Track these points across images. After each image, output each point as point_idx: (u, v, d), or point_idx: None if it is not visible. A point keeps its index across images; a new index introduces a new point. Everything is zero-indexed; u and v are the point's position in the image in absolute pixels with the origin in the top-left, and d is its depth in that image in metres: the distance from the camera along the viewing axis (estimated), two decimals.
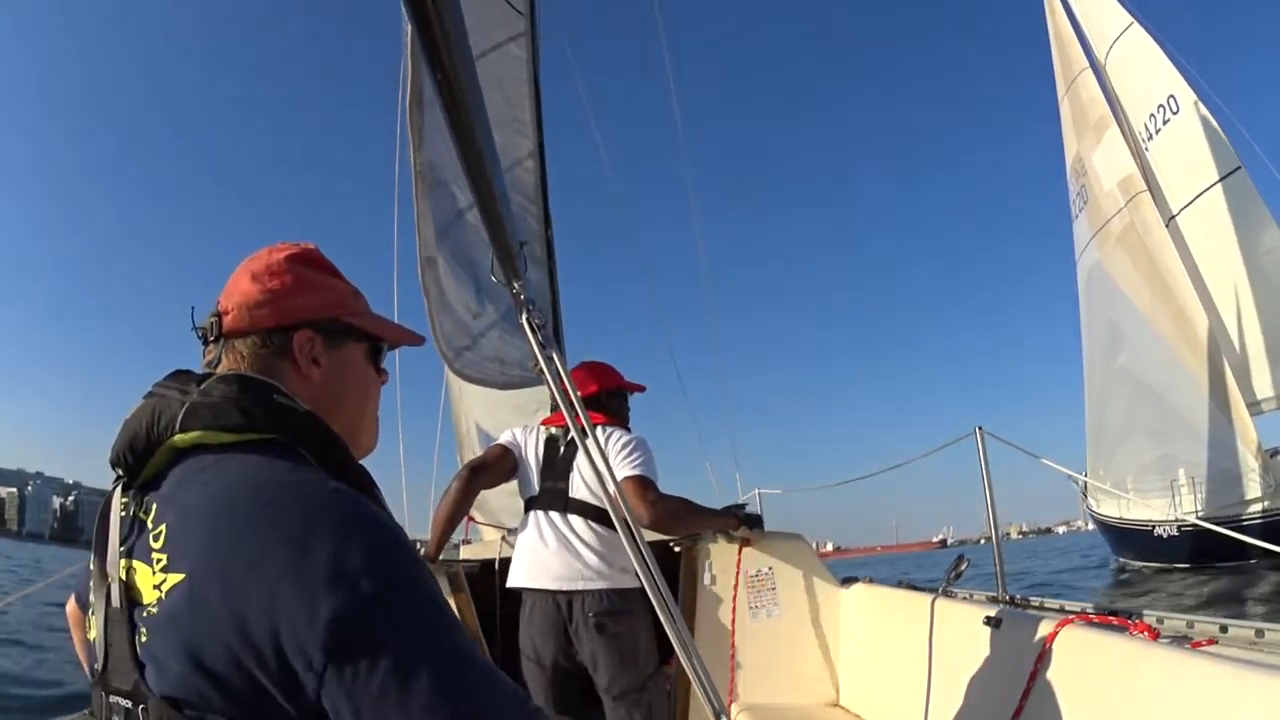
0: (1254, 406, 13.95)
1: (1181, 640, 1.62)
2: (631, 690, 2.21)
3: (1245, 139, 15.58)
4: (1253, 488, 12.88)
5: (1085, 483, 16.53)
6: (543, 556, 2.28)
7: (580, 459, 2.34)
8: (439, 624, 0.66)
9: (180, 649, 0.64)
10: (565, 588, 2.23)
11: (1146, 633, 1.56)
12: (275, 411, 0.77)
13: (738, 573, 2.76)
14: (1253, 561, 12.02)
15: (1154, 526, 15.19)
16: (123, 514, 0.75)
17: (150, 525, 0.72)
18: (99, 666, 0.71)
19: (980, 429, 2.94)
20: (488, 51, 2.80)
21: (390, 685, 0.61)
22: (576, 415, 1.38)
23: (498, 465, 2.44)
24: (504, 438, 2.51)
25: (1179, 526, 14.29)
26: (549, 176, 3.40)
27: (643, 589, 2.27)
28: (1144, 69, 16.13)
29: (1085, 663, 1.59)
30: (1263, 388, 14.27)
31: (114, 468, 0.78)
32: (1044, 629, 1.72)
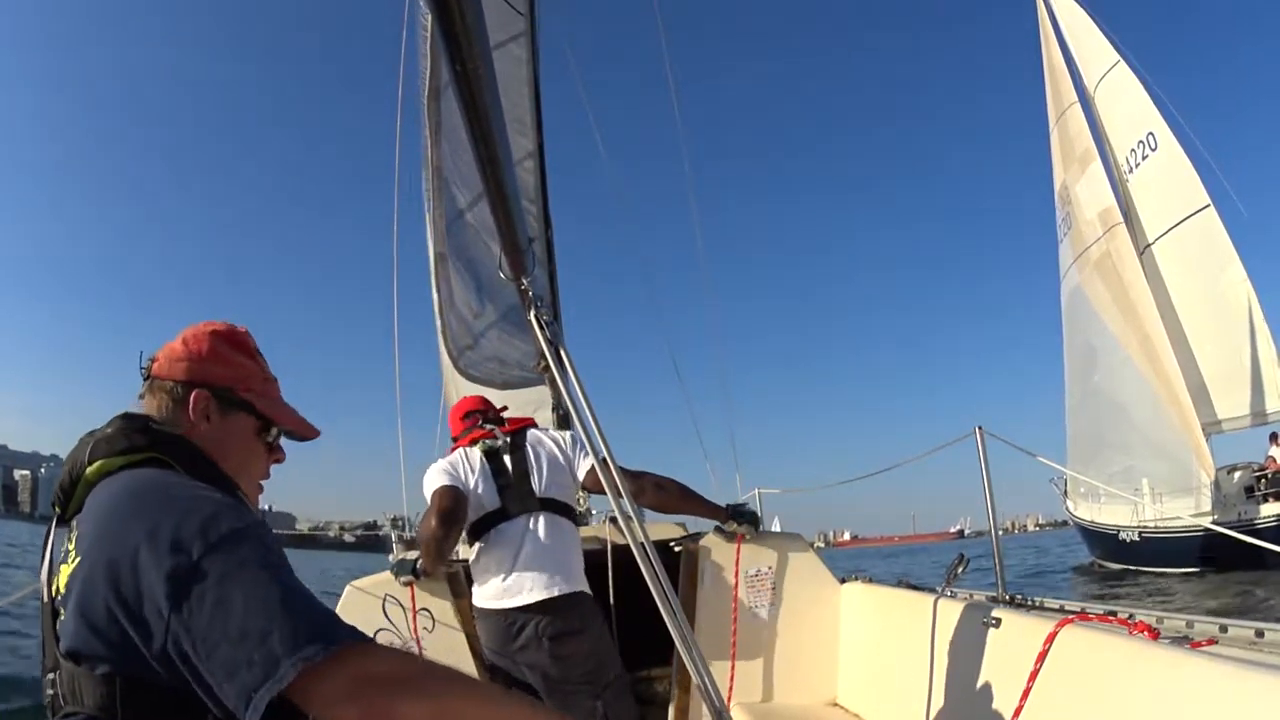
0: (1214, 426, 15.29)
1: (1181, 640, 1.63)
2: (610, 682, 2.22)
3: (1217, 176, 16.86)
4: (1204, 501, 14.14)
5: (1066, 485, 18.61)
6: (553, 560, 2.22)
7: (532, 457, 2.33)
8: (259, 568, 0.79)
9: (75, 612, 0.83)
10: (574, 589, 2.21)
11: (1146, 633, 1.57)
12: (151, 436, 0.99)
13: (737, 572, 2.76)
14: (1197, 570, 13.74)
15: (1119, 530, 16.60)
16: (54, 541, 0.96)
17: (73, 540, 0.90)
18: (43, 659, 0.90)
19: (980, 429, 2.95)
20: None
21: (215, 616, 0.75)
22: (588, 411, 1.38)
23: (461, 508, 2.26)
24: (443, 480, 2.29)
25: (1140, 532, 15.83)
26: (549, 177, 3.40)
27: (593, 598, 2.29)
28: (1127, 105, 17.49)
29: (1085, 663, 1.60)
30: (1223, 409, 15.42)
31: (53, 507, 0.99)
32: (1044, 629, 1.73)
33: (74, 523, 0.93)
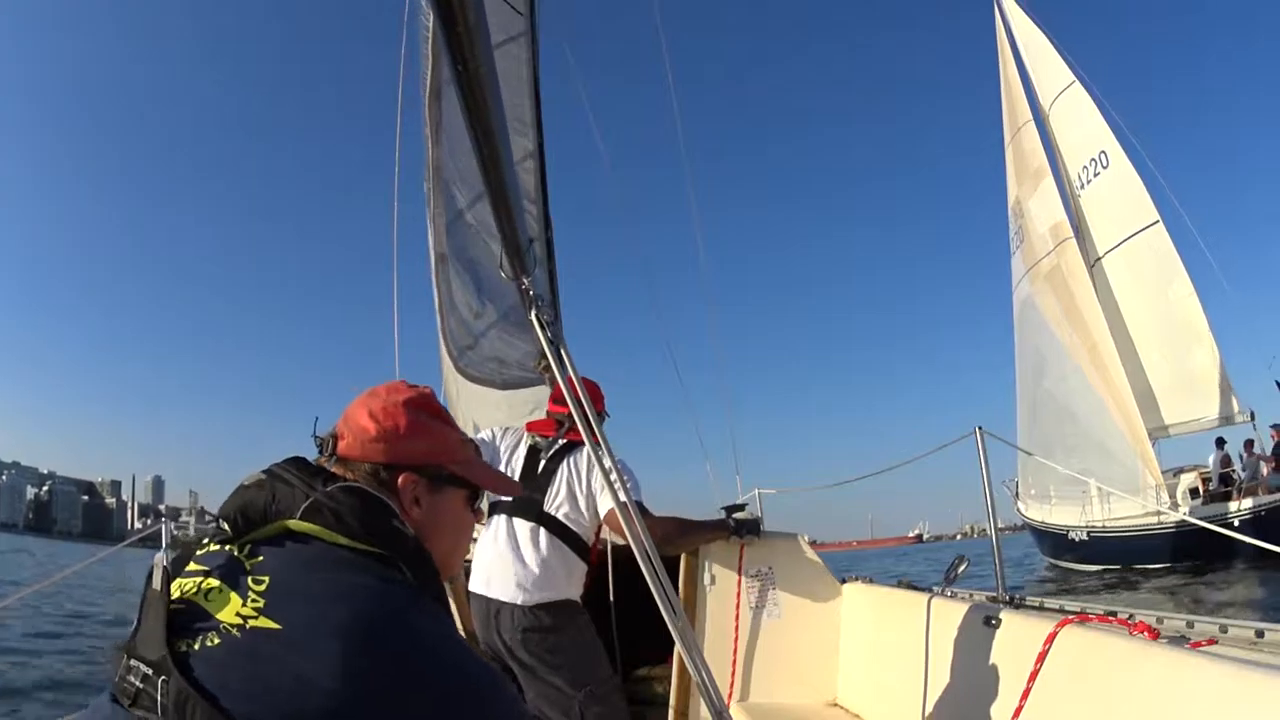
0: (1161, 431, 16.21)
1: (1181, 640, 1.63)
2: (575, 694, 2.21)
3: (1167, 195, 17.68)
4: (1150, 503, 14.86)
5: (1017, 487, 19.57)
6: (506, 565, 2.26)
7: (563, 473, 2.32)
8: None
9: (249, 676, 0.72)
10: (518, 600, 2.22)
11: (1146, 633, 1.57)
12: (388, 533, 0.87)
13: (739, 572, 2.76)
14: (1152, 566, 14.56)
15: (1068, 531, 17.33)
16: (215, 548, 0.85)
17: (249, 568, 0.81)
18: (130, 635, 0.79)
19: (980, 429, 2.95)
20: None
21: None
22: (585, 412, 1.38)
23: None
24: (480, 434, 2.48)
25: (1088, 532, 16.57)
26: (549, 177, 3.39)
27: (579, 605, 2.29)
28: (1082, 124, 18.35)
29: (1085, 663, 1.60)
30: (1169, 415, 16.31)
31: (220, 520, 0.87)
32: (1044, 629, 1.73)
33: (259, 554, 0.82)
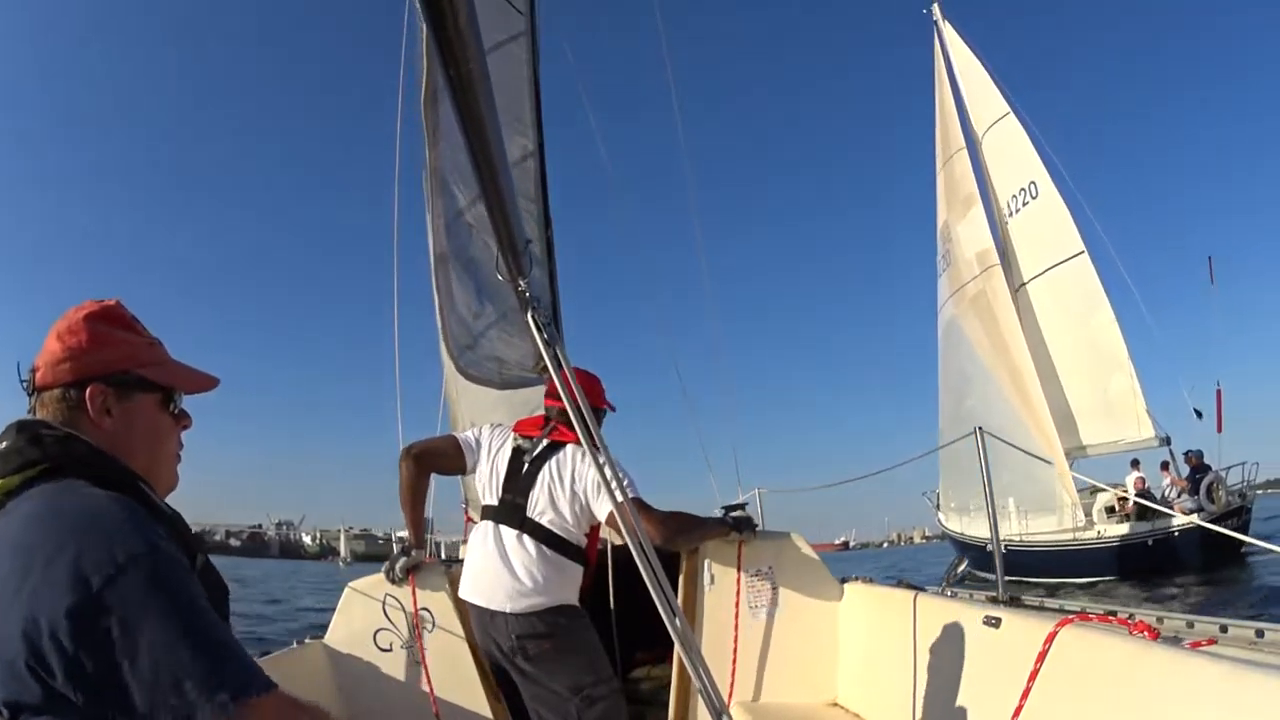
0: (1080, 451, 17.01)
1: (1181, 640, 1.63)
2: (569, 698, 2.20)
3: (1094, 226, 18.63)
4: (1066, 520, 15.91)
5: (938, 498, 20.52)
6: (495, 573, 2.24)
7: (544, 477, 2.28)
8: (167, 605, 0.79)
9: None
10: (508, 608, 2.20)
11: (1146, 633, 1.57)
12: (43, 446, 0.92)
13: (738, 572, 2.76)
14: (1054, 580, 15.16)
15: (986, 544, 17.29)
16: None
17: None
18: None
19: (980, 429, 2.95)
20: (489, 51, 2.80)
21: (122, 656, 0.75)
22: (585, 422, 1.38)
23: (447, 462, 2.41)
24: (467, 434, 2.45)
25: (1007, 545, 16.97)
26: (549, 177, 3.39)
27: (576, 608, 2.28)
28: (1013, 154, 19.14)
29: (1085, 663, 1.60)
30: (1087, 436, 17.07)
31: None
32: (1044, 629, 1.73)
33: None
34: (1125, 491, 16.31)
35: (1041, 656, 1.68)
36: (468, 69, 0.74)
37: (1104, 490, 16.75)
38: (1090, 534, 15.71)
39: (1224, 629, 1.76)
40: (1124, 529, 15.62)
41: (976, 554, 18.35)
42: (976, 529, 18.46)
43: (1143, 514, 15.52)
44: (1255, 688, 1.16)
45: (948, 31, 20.90)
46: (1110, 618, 1.86)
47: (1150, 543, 15.10)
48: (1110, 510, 16.39)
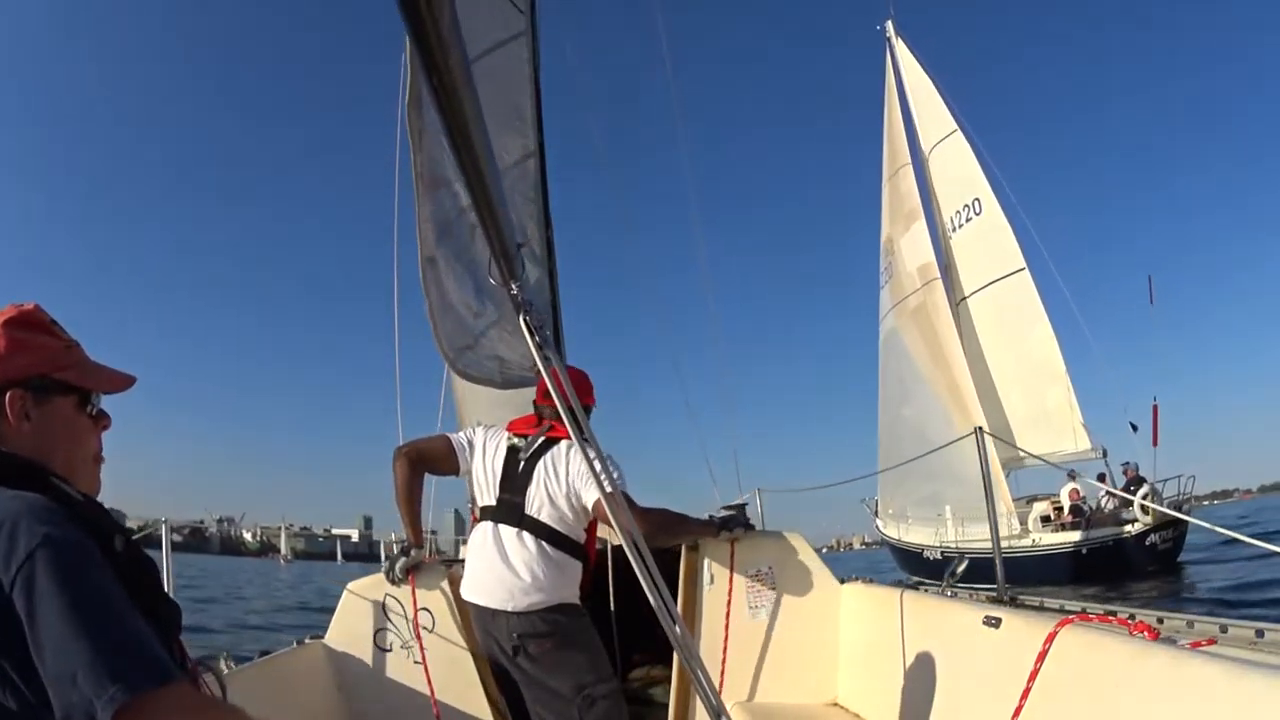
0: (1017, 461, 17.35)
1: (1181, 640, 1.62)
2: (572, 698, 2.19)
3: (1036, 243, 19.03)
4: (1001, 528, 15.41)
5: (876, 505, 20.74)
6: (496, 572, 2.24)
7: (540, 474, 2.28)
8: (66, 598, 0.80)
9: None
10: (509, 607, 2.20)
11: (1146, 633, 1.56)
12: None
13: (738, 572, 2.76)
14: (991, 585, 15.09)
15: (923, 549, 18.29)
16: None
17: None
18: None
19: (980, 429, 2.94)
20: (489, 50, 2.79)
21: (35, 651, 0.77)
22: (575, 418, 1.38)
23: (439, 462, 2.41)
24: (459, 435, 2.45)
25: (941, 551, 17.44)
26: (549, 176, 3.39)
27: (577, 607, 2.28)
28: (958, 171, 19.57)
29: (1085, 663, 1.59)
30: (1025, 445, 17.35)
31: None
32: (1044, 629, 1.72)
33: None
34: (1059, 501, 16.84)
35: (1041, 656, 1.68)
36: (450, 77, 0.73)
37: (1040, 500, 17.36)
38: (1025, 542, 16.10)
39: (1224, 629, 1.75)
40: (1058, 538, 15.98)
41: (913, 559, 18.83)
42: (914, 535, 19.07)
43: (1078, 524, 16.00)
44: (1255, 688, 1.16)
45: (900, 48, 21.24)
46: (1110, 618, 1.86)
47: (1084, 551, 15.40)
48: (1045, 520, 16.82)
